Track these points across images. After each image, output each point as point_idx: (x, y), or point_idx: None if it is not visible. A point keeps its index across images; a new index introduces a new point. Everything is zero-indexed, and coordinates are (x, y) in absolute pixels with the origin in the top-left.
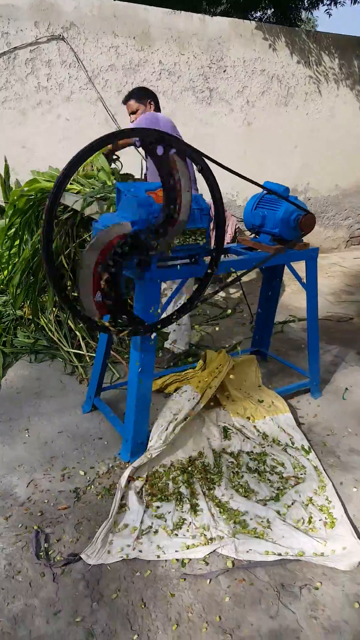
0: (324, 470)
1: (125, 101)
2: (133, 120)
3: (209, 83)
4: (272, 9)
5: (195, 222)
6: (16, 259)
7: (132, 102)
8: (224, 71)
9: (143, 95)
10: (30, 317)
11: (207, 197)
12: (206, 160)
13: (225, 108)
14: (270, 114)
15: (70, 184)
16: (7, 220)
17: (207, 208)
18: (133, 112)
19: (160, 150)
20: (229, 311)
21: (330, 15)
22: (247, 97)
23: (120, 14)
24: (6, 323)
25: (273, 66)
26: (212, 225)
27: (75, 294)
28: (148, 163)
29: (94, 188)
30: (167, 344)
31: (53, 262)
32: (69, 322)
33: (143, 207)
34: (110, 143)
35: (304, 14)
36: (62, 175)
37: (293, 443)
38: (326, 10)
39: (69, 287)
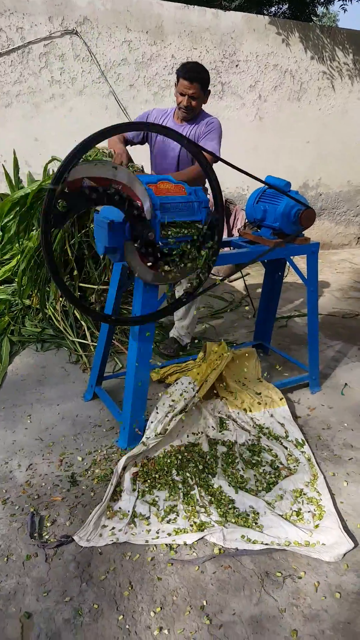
0: (317, 463)
1: (192, 79)
2: (180, 102)
3: (221, 77)
4: (287, 4)
5: (195, 214)
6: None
7: (196, 86)
8: (237, 65)
9: (208, 85)
10: (38, 306)
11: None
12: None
13: (237, 102)
14: (282, 109)
15: None
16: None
17: (205, 201)
18: (190, 96)
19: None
20: (234, 305)
21: (345, 10)
22: (259, 92)
23: (133, 9)
24: (14, 312)
25: (286, 61)
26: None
27: (78, 285)
28: (154, 151)
29: None
30: (173, 333)
31: (52, 256)
32: (75, 312)
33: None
34: (109, 136)
35: (320, 10)
36: (58, 174)
37: (288, 436)
38: (342, 5)
39: (74, 275)
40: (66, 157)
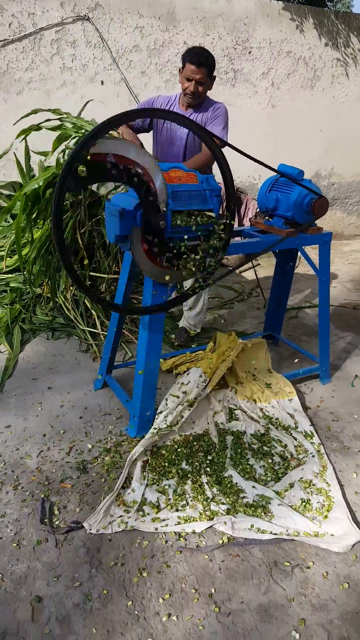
0: (326, 454)
1: (199, 64)
2: (187, 87)
3: (233, 64)
4: None
5: (207, 203)
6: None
7: (204, 71)
8: (249, 52)
9: (214, 70)
10: (49, 295)
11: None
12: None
13: (249, 90)
14: (295, 96)
15: None
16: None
17: (217, 189)
18: (197, 82)
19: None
20: (244, 295)
21: None
22: (272, 79)
23: None
24: (26, 301)
25: (300, 48)
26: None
27: (90, 274)
28: (159, 139)
29: None
30: (182, 324)
31: (64, 245)
32: (86, 301)
33: None
34: (123, 123)
35: None
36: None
37: (297, 427)
38: None
39: (85, 265)
40: (80, 142)
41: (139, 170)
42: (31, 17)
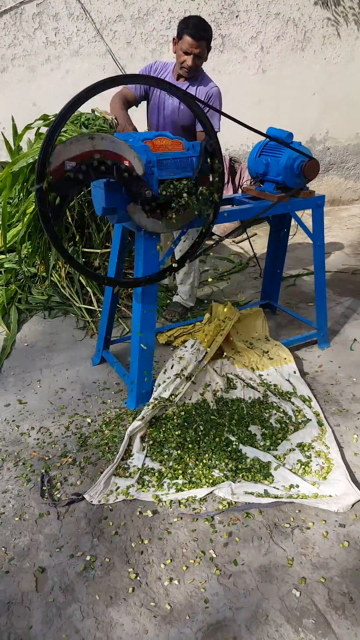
0: (325, 418)
1: (199, 38)
2: (184, 61)
3: (220, 30)
4: None
5: (194, 170)
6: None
7: (203, 45)
8: (237, 16)
9: (211, 41)
10: (44, 274)
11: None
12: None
13: (238, 55)
14: (285, 60)
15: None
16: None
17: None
18: (195, 55)
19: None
20: (241, 266)
21: None
22: (261, 43)
23: None
24: (21, 280)
25: (288, 9)
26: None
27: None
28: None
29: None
30: (176, 298)
31: (49, 219)
32: (80, 278)
33: (139, 156)
34: (104, 89)
35: None
36: (53, 126)
37: (295, 392)
38: None
39: (77, 240)
40: (46, 133)
41: (99, 157)
42: None
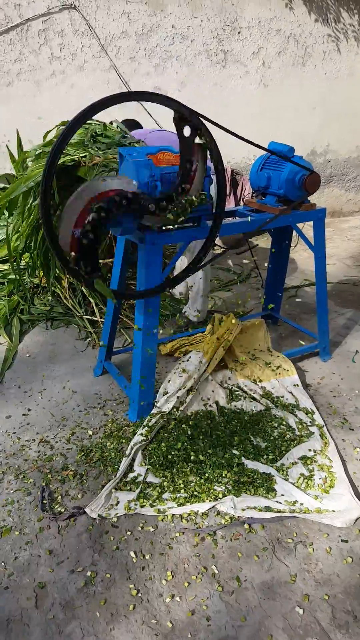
0: (328, 430)
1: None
2: None
3: (223, 45)
4: None
5: None
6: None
7: None
8: (239, 32)
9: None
10: (46, 285)
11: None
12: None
13: (240, 70)
14: (287, 74)
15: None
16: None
17: (207, 168)
18: None
19: (187, 132)
20: (243, 277)
21: None
22: (262, 59)
23: None
24: (23, 292)
25: (289, 25)
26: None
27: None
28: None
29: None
30: (184, 310)
31: (51, 223)
32: (83, 289)
33: (143, 170)
34: (110, 105)
35: None
36: (59, 141)
37: (298, 404)
38: None
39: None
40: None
41: (96, 207)
42: (17, 8)
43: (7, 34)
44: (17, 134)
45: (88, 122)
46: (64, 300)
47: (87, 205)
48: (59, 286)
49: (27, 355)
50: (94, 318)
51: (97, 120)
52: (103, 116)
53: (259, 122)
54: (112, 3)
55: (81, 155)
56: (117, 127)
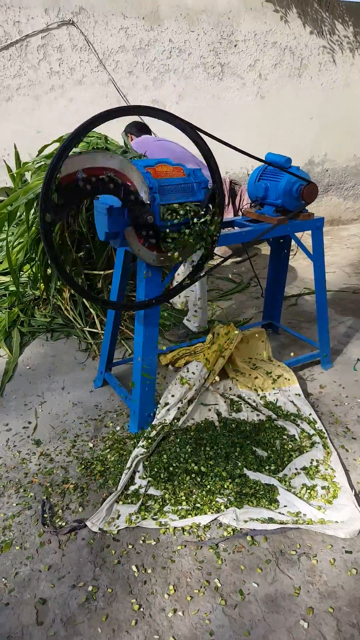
0: (330, 440)
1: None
2: None
3: (220, 58)
4: None
5: (194, 195)
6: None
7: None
8: (235, 46)
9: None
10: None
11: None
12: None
13: (237, 82)
14: (283, 86)
15: None
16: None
17: (205, 181)
18: None
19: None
20: (242, 286)
21: None
22: (259, 71)
23: None
24: (23, 304)
25: (285, 38)
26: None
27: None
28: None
29: None
30: (184, 320)
31: (52, 241)
32: (84, 300)
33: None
34: (111, 118)
35: None
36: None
37: (300, 413)
38: None
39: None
40: (54, 156)
41: (111, 175)
42: (16, 25)
43: (7, 50)
44: (15, 148)
45: (89, 135)
46: (65, 312)
47: (104, 169)
48: (59, 298)
49: (27, 367)
50: (95, 330)
51: (98, 133)
52: (108, 126)
53: (256, 133)
54: (109, 19)
55: None
56: (122, 137)
